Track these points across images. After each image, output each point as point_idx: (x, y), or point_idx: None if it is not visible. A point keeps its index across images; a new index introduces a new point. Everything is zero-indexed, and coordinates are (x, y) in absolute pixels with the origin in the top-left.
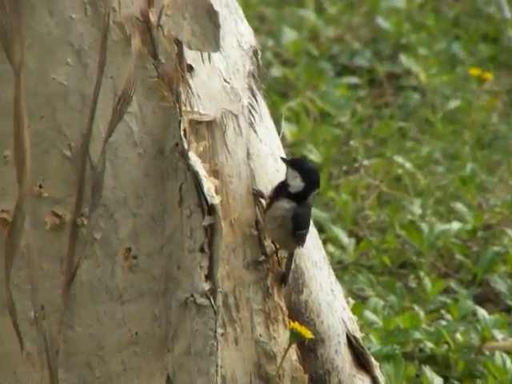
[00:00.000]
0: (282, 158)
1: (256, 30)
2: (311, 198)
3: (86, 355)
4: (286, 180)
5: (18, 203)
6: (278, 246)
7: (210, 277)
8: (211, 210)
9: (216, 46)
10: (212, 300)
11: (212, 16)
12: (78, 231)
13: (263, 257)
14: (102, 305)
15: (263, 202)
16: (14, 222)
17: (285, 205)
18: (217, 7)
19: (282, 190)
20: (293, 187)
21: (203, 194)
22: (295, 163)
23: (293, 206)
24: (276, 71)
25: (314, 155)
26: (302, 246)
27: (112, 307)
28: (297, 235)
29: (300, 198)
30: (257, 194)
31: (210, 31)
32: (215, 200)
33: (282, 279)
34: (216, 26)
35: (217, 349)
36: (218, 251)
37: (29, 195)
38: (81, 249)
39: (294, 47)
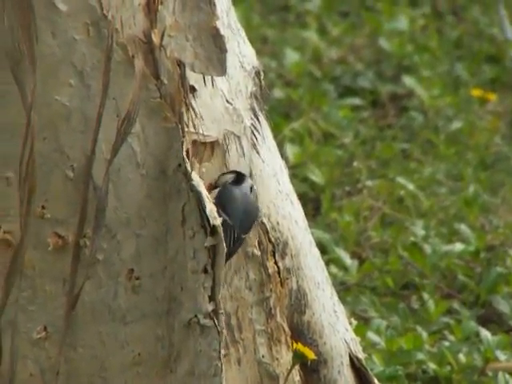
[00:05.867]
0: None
1: (259, 52)
2: None
3: (88, 376)
4: None
5: (21, 225)
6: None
7: (212, 298)
8: (213, 231)
9: (222, 70)
10: (216, 321)
11: (217, 40)
12: (80, 252)
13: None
14: (105, 326)
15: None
16: (17, 243)
17: None
18: (222, 31)
19: None
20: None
21: (205, 214)
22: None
23: None
24: (279, 92)
25: (316, 176)
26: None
27: (115, 328)
28: None
29: None
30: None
31: (214, 55)
32: (217, 221)
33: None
34: (222, 50)
35: (221, 370)
36: (219, 272)
37: (32, 216)
38: (84, 270)
39: (296, 68)
